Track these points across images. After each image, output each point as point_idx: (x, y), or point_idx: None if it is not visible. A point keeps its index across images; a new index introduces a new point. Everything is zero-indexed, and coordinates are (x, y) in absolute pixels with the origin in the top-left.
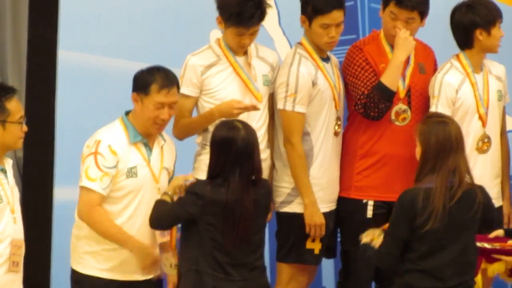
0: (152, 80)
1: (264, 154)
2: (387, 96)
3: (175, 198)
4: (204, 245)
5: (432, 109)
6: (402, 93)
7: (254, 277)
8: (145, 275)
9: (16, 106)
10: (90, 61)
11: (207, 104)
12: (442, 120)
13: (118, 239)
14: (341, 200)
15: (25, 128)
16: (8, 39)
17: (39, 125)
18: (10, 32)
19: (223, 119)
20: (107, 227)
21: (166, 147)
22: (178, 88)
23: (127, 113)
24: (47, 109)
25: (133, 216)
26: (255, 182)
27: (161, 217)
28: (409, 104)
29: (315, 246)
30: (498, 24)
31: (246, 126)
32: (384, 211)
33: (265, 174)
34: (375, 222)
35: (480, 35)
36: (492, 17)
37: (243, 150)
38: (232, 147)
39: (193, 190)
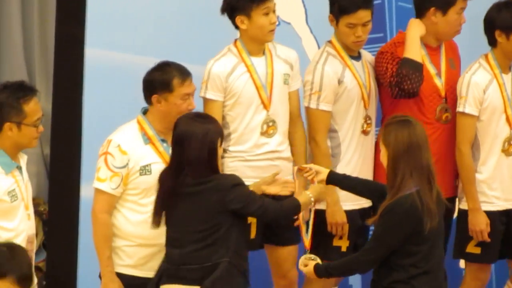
0: (171, 76)
1: (287, 151)
2: (416, 66)
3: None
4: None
5: (460, 109)
6: (442, 92)
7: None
8: None
9: (33, 108)
10: (117, 58)
11: (227, 109)
12: (406, 119)
13: (99, 253)
14: None
15: (41, 128)
16: (36, 37)
17: (66, 122)
18: (37, 30)
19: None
20: (98, 236)
21: None
22: None
23: (145, 111)
24: (74, 107)
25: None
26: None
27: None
28: (446, 101)
29: (343, 244)
30: None
31: (208, 117)
32: None
33: (289, 170)
34: None
35: (499, 37)
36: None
37: (201, 143)
38: (190, 142)
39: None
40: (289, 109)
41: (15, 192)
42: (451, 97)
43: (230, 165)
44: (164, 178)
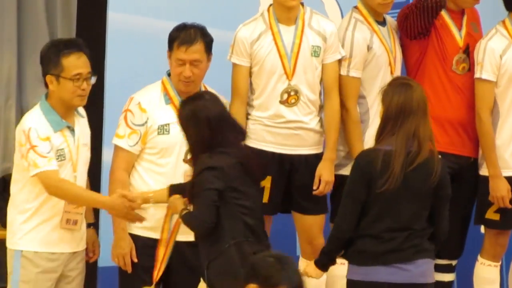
0: (175, 36)
1: (313, 122)
2: None
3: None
4: (234, 215)
5: (477, 75)
6: (461, 43)
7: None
8: None
9: (72, 63)
10: (139, 23)
11: (253, 76)
12: (407, 83)
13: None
14: None
15: (83, 86)
16: (58, 1)
17: None
18: None
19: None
20: (112, 192)
21: None
22: (208, 47)
23: (170, 73)
24: (97, 71)
25: (168, 175)
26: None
27: (203, 216)
28: (465, 53)
29: None
30: None
31: (206, 92)
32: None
33: (315, 141)
34: None
35: None
36: None
37: (217, 111)
38: (207, 114)
39: (206, 165)
40: (324, 82)
41: (63, 152)
42: (473, 59)
43: (251, 127)
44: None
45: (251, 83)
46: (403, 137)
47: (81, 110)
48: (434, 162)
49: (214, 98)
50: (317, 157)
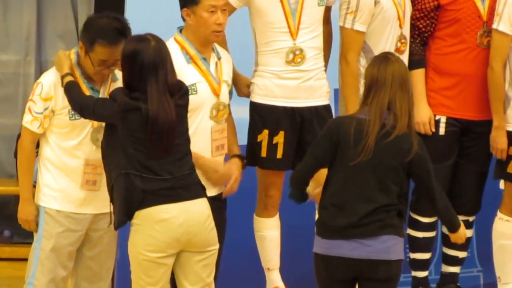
0: None
1: (320, 73)
2: None
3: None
4: (127, 151)
5: (494, 26)
6: (485, 16)
7: (184, 174)
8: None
9: (101, 53)
10: None
11: (255, 24)
12: (385, 56)
13: None
14: None
15: (106, 71)
16: None
17: None
18: None
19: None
20: None
21: (224, 60)
22: None
23: (181, 30)
24: (116, 11)
25: (196, 133)
26: (172, 92)
27: (84, 108)
28: (487, 25)
29: None
30: None
31: (155, 37)
32: (457, 129)
33: (323, 92)
34: (447, 140)
35: None
36: None
37: (154, 60)
38: (143, 59)
39: (113, 95)
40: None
41: None
42: (491, 19)
43: (259, 83)
44: None
45: (255, 37)
46: (377, 108)
47: (117, 73)
48: (410, 138)
49: (159, 46)
50: (326, 109)
